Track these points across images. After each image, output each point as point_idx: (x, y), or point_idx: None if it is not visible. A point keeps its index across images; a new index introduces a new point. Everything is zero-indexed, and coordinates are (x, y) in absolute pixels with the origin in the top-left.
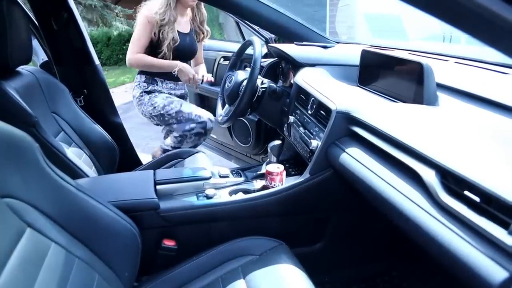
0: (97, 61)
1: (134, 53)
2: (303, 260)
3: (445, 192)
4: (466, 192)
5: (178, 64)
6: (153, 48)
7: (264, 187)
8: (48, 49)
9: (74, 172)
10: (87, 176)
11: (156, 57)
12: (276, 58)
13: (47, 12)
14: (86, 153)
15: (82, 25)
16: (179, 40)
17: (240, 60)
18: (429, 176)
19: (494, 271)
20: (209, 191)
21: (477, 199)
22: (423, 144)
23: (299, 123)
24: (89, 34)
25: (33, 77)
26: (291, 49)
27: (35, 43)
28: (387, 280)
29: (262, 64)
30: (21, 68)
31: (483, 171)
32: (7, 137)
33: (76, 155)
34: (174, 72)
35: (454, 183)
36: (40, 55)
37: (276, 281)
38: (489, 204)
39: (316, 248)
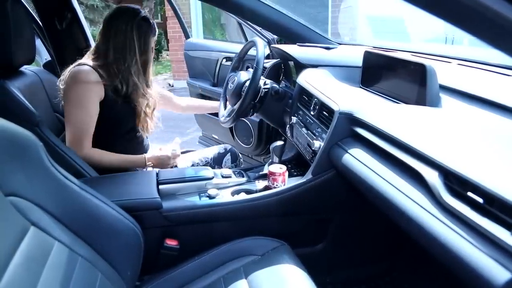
0: None
1: None
2: (305, 261)
3: (448, 193)
4: (469, 193)
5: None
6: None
7: (266, 188)
8: (51, 49)
9: (78, 171)
10: (90, 175)
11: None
12: (279, 59)
13: (51, 12)
14: None
15: (86, 25)
16: None
17: (242, 61)
18: (432, 177)
19: (497, 272)
20: (212, 191)
21: (480, 200)
22: (426, 145)
23: (302, 124)
24: (91, 34)
25: (36, 77)
26: (293, 50)
27: (38, 43)
28: (389, 281)
29: (264, 65)
30: (24, 68)
31: (486, 172)
32: (11, 136)
33: None
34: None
35: (457, 184)
36: (43, 55)
37: (278, 281)
38: (492, 205)
39: (318, 248)
